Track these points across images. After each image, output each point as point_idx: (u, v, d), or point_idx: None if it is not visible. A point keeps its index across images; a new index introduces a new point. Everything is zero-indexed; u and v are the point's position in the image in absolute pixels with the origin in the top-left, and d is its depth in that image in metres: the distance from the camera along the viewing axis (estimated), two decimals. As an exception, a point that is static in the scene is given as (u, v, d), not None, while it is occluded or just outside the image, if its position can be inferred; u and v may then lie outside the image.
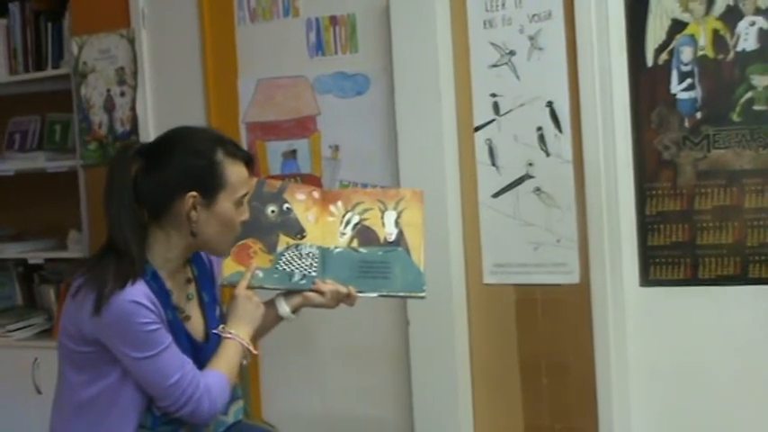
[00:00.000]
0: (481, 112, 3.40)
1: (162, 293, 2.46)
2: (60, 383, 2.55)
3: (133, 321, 2.36)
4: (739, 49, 3.09)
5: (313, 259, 2.76)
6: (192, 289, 2.64)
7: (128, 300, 2.35)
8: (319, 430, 3.69)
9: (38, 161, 4.46)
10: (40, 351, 4.16)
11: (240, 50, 3.81)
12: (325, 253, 2.78)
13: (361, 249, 2.80)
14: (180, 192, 2.45)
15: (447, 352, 3.41)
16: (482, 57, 3.39)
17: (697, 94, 3.15)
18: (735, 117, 3.11)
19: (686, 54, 3.15)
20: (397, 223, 2.82)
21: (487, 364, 3.45)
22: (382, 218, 2.82)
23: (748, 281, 3.13)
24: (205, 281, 2.69)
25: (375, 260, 2.79)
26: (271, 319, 2.75)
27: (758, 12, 3.07)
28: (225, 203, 2.49)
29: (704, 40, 3.13)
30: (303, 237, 2.78)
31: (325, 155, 3.67)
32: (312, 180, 3.64)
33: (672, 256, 3.20)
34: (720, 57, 3.11)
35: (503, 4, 3.34)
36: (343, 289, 2.72)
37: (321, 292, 2.71)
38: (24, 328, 4.43)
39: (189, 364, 2.45)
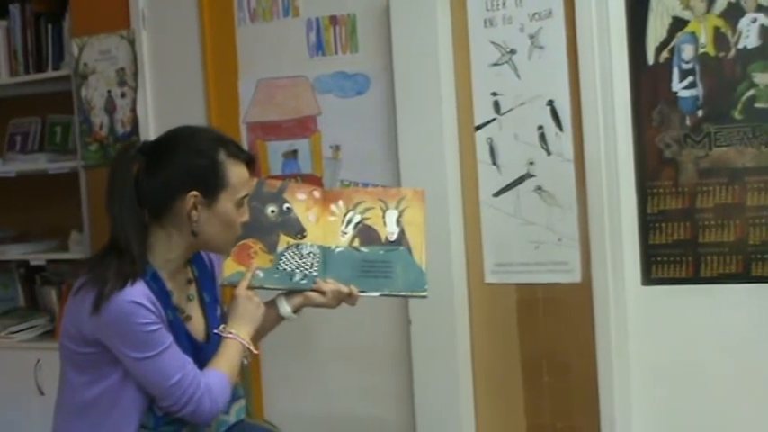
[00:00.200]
0: (482, 111, 3.40)
1: (162, 294, 2.47)
2: (62, 384, 2.55)
3: (133, 322, 2.36)
4: (740, 46, 3.09)
5: (314, 259, 2.76)
6: (192, 289, 2.64)
7: (127, 300, 2.35)
8: (321, 430, 3.69)
9: (39, 163, 4.46)
10: (42, 352, 4.16)
11: (240, 51, 3.81)
12: (326, 252, 2.77)
13: (363, 249, 2.80)
14: (181, 191, 2.45)
15: (449, 351, 3.41)
16: (482, 56, 3.39)
17: (698, 91, 3.14)
18: (736, 115, 3.10)
19: (687, 52, 3.15)
20: (398, 222, 2.82)
21: (489, 363, 3.45)
22: (383, 217, 2.82)
23: (750, 279, 3.12)
24: (206, 281, 2.69)
25: (376, 259, 2.79)
26: (272, 319, 2.75)
27: (759, 9, 3.06)
28: (226, 204, 2.49)
29: (705, 37, 3.12)
30: (304, 236, 2.78)
31: (326, 155, 3.67)
32: (313, 180, 3.64)
33: (673, 255, 3.20)
34: (722, 54, 3.11)
35: (503, 3, 3.34)
36: (344, 288, 2.72)
37: (322, 292, 2.71)
38: (27, 329, 4.43)
39: (190, 363, 2.45)
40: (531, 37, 3.30)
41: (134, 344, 2.38)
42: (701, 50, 3.13)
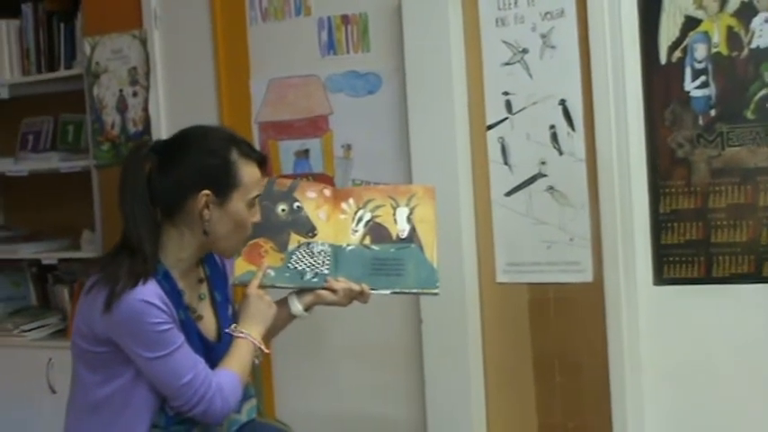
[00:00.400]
0: (494, 111, 3.40)
1: (174, 293, 2.47)
2: (74, 383, 2.56)
3: (145, 321, 2.36)
4: (753, 45, 3.08)
5: (325, 257, 2.76)
6: (204, 289, 2.64)
7: (139, 300, 2.36)
8: (332, 428, 3.69)
9: (51, 162, 4.47)
10: (54, 351, 4.17)
11: (252, 50, 3.81)
12: (337, 251, 2.77)
13: (374, 246, 2.79)
14: (193, 190, 2.45)
15: (460, 350, 3.41)
16: (494, 55, 3.38)
17: (711, 91, 3.13)
18: (749, 114, 3.09)
19: (700, 51, 3.14)
20: (409, 220, 2.82)
21: (500, 362, 3.44)
22: (394, 215, 2.82)
23: (762, 279, 3.11)
24: (217, 280, 2.69)
25: (388, 257, 2.79)
26: (283, 318, 2.75)
27: (773, 8, 3.06)
28: (238, 203, 2.49)
29: (718, 37, 3.12)
30: (314, 235, 2.78)
31: (338, 154, 3.67)
32: (325, 179, 3.63)
33: (685, 255, 3.19)
34: (734, 54, 3.10)
35: (515, 3, 3.34)
36: (355, 287, 2.72)
37: (333, 290, 2.71)
38: (39, 328, 4.44)
39: (201, 363, 2.46)
40: (543, 36, 3.29)
41: (146, 343, 2.38)
42: (714, 50, 3.12)
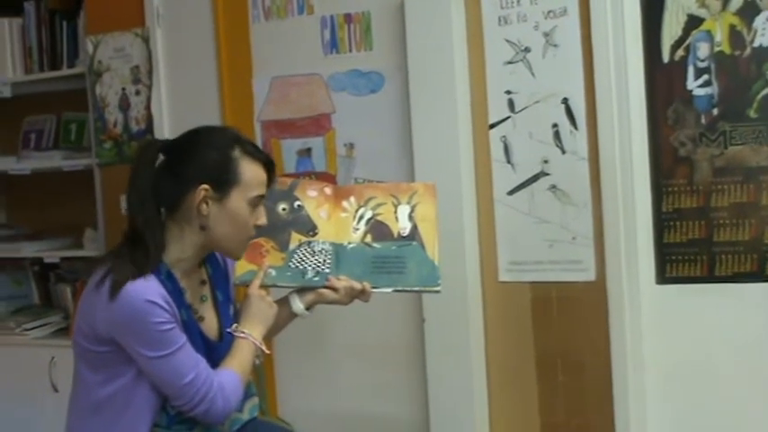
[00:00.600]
0: (496, 110, 3.39)
1: (176, 292, 2.48)
2: (76, 383, 2.56)
3: (147, 321, 2.37)
4: (756, 44, 3.07)
5: (326, 256, 2.76)
6: (206, 290, 2.64)
7: (142, 299, 2.36)
8: (335, 427, 3.69)
9: (53, 160, 4.47)
10: (56, 350, 4.17)
11: (255, 48, 3.81)
12: (338, 249, 2.77)
13: (375, 245, 2.79)
14: (193, 184, 2.46)
15: (462, 349, 3.41)
16: (497, 54, 3.38)
17: (713, 90, 3.13)
18: (752, 113, 3.09)
19: (702, 50, 3.13)
20: (410, 217, 2.82)
21: (503, 361, 3.44)
22: (395, 212, 2.82)
23: (765, 278, 3.11)
24: (219, 279, 2.69)
25: (389, 255, 2.78)
26: (284, 317, 2.75)
27: (775, 7, 3.06)
28: (238, 201, 2.49)
29: (721, 35, 3.11)
30: (315, 234, 2.78)
31: (340, 153, 3.67)
32: (327, 178, 3.63)
33: (688, 254, 3.19)
34: (737, 52, 3.10)
35: (518, 1, 3.33)
36: (357, 285, 2.72)
37: (335, 289, 2.71)
38: (41, 326, 4.44)
39: (203, 363, 2.46)
40: (546, 35, 3.29)
41: (148, 343, 2.39)
42: (717, 48, 3.11)
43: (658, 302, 3.21)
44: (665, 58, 3.18)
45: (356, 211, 2.82)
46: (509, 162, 3.39)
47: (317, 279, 2.74)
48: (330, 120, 3.68)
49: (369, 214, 2.81)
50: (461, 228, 3.39)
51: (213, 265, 2.69)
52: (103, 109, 4.16)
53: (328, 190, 2.83)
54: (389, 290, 2.78)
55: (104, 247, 4.12)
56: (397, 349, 3.59)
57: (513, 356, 3.43)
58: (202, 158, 2.48)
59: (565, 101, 3.27)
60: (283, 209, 2.78)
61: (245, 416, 2.72)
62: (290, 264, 2.75)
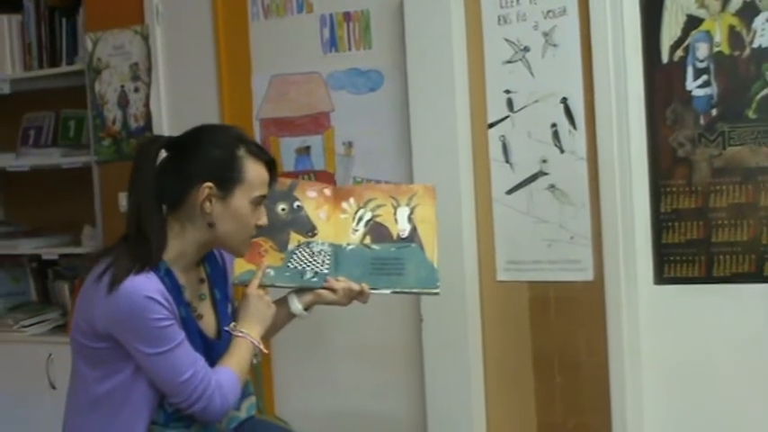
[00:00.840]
0: (495, 109, 3.39)
1: (175, 290, 2.48)
2: (74, 379, 2.56)
3: (146, 317, 2.37)
4: (755, 45, 3.07)
5: (325, 256, 2.76)
6: (205, 289, 2.64)
7: (141, 295, 2.36)
8: (333, 426, 3.69)
9: (52, 157, 4.47)
10: (54, 346, 4.17)
11: (254, 46, 3.81)
12: (337, 250, 2.77)
13: (374, 246, 2.79)
14: (197, 181, 2.46)
15: (460, 349, 3.41)
16: (496, 53, 3.38)
17: (712, 90, 3.13)
18: (750, 114, 3.09)
19: (702, 50, 3.14)
20: (410, 219, 2.82)
21: (501, 361, 3.45)
22: (395, 214, 2.82)
23: (763, 279, 3.11)
24: (217, 278, 2.69)
25: (388, 257, 2.78)
26: (283, 317, 2.75)
27: (775, 8, 3.05)
28: (241, 200, 2.50)
29: (720, 36, 3.11)
30: (314, 234, 2.77)
31: (339, 151, 3.67)
32: (326, 176, 3.64)
33: (686, 254, 3.19)
34: (736, 53, 3.10)
35: (517, 1, 3.33)
36: (355, 286, 2.72)
37: (333, 290, 2.71)
38: (39, 323, 4.44)
39: (201, 360, 2.46)
40: (545, 34, 3.29)
41: (146, 339, 2.39)
42: (716, 49, 3.12)
43: (656, 303, 3.22)
44: (665, 58, 3.18)
45: (355, 212, 2.82)
46: (508, 161, 3.39)
47: (315, 280, 2.74)
48: (329, 118, 3.68)
49: (368, 216, 2.81)
50: (460, 227, 3.39)
51: (212, 264, 2.69)
52: (102, 106, 4.16)
53: (328, 191, 2.83)
54: (388, 291, 2.78)
55: (102, 244, 4.11)
56: (395, 348, 3.59)
57: (511, 356, 3.43)
58: (207, 156, 2.49)
59: (564, 100, 3.27)
60: (283, 209, 2.78)
61: (243, 414, 2.72)
62: (289, 264, 2.75)
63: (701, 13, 3.13)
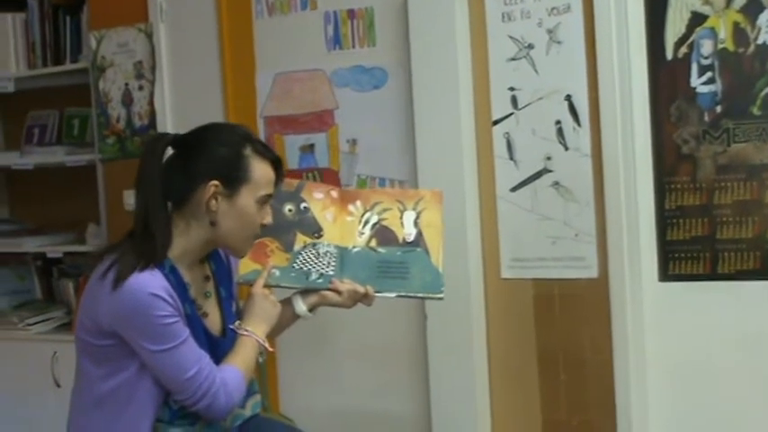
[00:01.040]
0: (499, 106, 3.39)
1: (180, 287, 2.48)
2: (79, 377, 2.57)
3: (151, 314, 2.37)
4: (760, 41, 3.07)
5: (330, 258, 2.75)
6: (210, 286, 2.65)
7: (146, 292, 2.36)
8: (337, 425, 3.69)
9: (56, 155, 4.48)
10: (59, 345, 4.17)
11: (258, 44, 3.81)
12: (343, 252, 2.77)
13: (380, 249, 2.79)
14: (203, 179, 2.47)
15: (464, 347, 3.41)
16: (500, 50, 3.38)
17: (717, 87, 3.13)
18: (755, 111, 3.09)
19: (706, 47, 3.13)
20: (416, 224, 2.81)
21: (505, 358, 3.45)
22: (401, 218, 2.82)
23: (768, 276, 3.11)
24: (222, 276, 2.70)
25: (393, 260, 2.78)
26: (287, 318, 2.75)
27: (779, 4, 3.05)
28: (247, 199, 2.50)
29: (724, 33, 3.11)
30: (320, 236, 2.77)
31: (343, 149, 3.67)
32: (330, 174, 3.64)
33: (691, 251, 3.19)
34: (741, 50, 3.09)
35: (521, -2, 3.34)
36: (360, 288, 2.72)
37: (338, 292, 2.71)
38: (43, 321, 4.44)
39: (206, 358, 2.46)
40: (550, 32, 3.29)
41: (151, 336, 2.39)
42: (720, 46, 3.11)
43: (661, 300, 3.21)
44: (669, 55, 3.17)
45: (362, 215, 2.81)
46: (512, 159, 3.39)
47: (320, 281, 2.74)
48: (333, 116, 3.68)
49: (374, 219, 2.81)
50: (464, 224, 3.39)
51: (216, 262, 2.69)
52: (106, 104, 4.16)
53: (335, 193, 2.83)
54: (392, 295, 2.78)
55: (107, 242, 4.10)
56: (400, 346, 3.59)
57: (516, 353, 3.43)
58: (214, 154, 2.49)
59: (568, 98, 3.27)
60: (289, 210, 2.78)
61: (248, 412, 2.72)
62: (295, 265, 2.74)
63: (705, 9, 3.12)
